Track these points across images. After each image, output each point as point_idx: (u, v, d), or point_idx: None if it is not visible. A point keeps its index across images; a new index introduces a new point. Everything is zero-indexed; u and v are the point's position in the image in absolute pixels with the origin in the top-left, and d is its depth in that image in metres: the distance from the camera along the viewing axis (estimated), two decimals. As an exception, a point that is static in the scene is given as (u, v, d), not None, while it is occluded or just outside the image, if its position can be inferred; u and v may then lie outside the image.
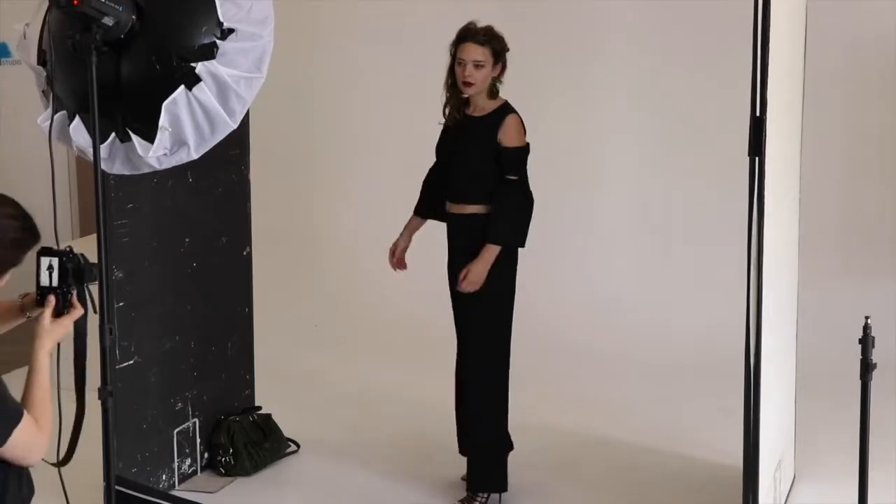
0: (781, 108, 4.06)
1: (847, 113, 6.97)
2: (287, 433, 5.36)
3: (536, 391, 5.69)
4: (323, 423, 5.76)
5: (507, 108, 4.59)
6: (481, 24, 4.59)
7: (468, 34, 4.55)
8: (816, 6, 4.88)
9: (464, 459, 4.84)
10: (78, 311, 2.80)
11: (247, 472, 5.09)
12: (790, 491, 4.73)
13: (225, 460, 5.09)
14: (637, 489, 4.93)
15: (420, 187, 4.94)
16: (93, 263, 2.91)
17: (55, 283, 2.78)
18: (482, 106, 4.60)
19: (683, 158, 7.18)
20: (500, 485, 4.74)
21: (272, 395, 5.68)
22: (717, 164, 6.81)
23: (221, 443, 5.10)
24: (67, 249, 2.82)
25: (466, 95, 4.58)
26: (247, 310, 5.42)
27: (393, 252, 4.94)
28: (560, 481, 5.01)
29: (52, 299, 2.76)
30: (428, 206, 4.87)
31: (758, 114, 3.70)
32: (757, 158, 3.72)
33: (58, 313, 2.77)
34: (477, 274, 4.53)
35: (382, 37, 7.48)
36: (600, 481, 5.02)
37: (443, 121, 4.73)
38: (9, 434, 2.54)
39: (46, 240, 3.27)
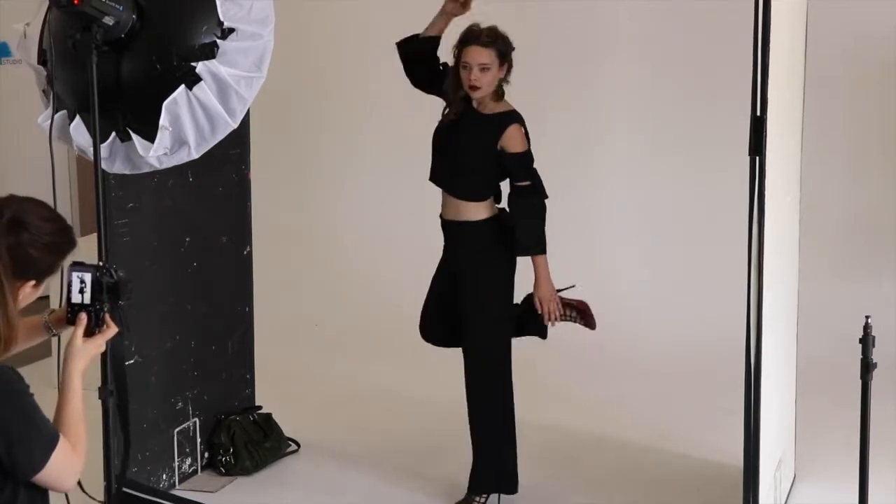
0: (782, 107, 4.07)
1: (847, 112, 6.98)
2: (287, 433, 5.37)
3: (537, 391, 5.70)
4: (323, 423, 5.76)
5: (513, 116, 4.52)
6: (484, 24, 4.52)
7: (472, 37, 4.47)
8: (817, 6, 4.89)
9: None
10: (111, 331, 2.62)
11: (247, 472, 5.09)
12: (790, 490, 4.74)
13: (225, 460, 5.09)
14: (638, 488, 4.94)
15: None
16: (128, 279, 2.72)
17: (87, 300, 2.59)
18: (488, 106, 4.56)
19: (684, 158, 7.19)
20: (505, 485, 4.72)
21: (272, 394, 5.68)
22: (718, 164, 6.83)
23: (222, 442, 5.10)
24: (101, 264, 2.66)
25: (475, 98, 4.52)
26: (247, 309, 5.43)
27: None
28: (560, 480, 5.02)
29: (83, 317, 2.58)
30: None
31: (758, 113, 3.71)
32: (757, 158, 3.73)
33: (90, 332, 2.59)
34: (546, 293, 4.57)
35: (383, 36, 7.47)
36: (600, 480, 5.02)
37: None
38: (46, 459, 2.39)
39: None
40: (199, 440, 5.10)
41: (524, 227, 4.55)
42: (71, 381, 2.50)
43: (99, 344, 2.59)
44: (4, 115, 8.38)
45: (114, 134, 3.51)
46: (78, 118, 3.55)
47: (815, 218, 5.63)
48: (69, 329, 2.65)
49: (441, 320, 4.80)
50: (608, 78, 7.34)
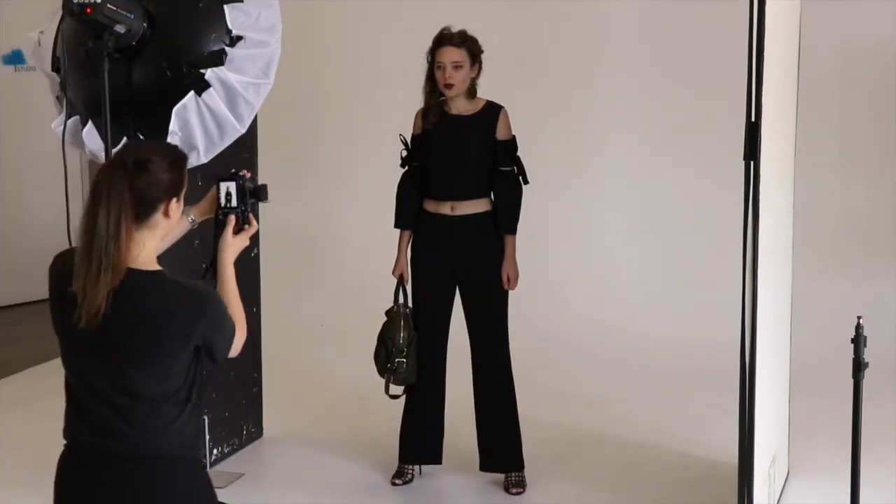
0: (776, 112, 4.11)
1: (839, 117, 7.04)
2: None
3: (536, 389, 5.74)
4: (328, 421, 5.84)
5: (497, 105, 4.75)
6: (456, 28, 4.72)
7: (444, 38, 4.69)
8: (810, 12, 4.95)
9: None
10: (254, 227, 3.03)
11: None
12: (784, 486, 4.79)
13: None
14: (635, 485, 4.98)
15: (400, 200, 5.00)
16: (264, 184, 3.10)
17: (234, 203, 3.00)
18: (467, 105, 4.74)
19: (681, 162, 7.27)
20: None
21: (279, 392, 5.75)
22: (714, 168, 6.89)
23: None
24: (242, 173, 3.03)
25: (449, 97, 4.70)
26: (255, 309, 5.48)
27: (402, 276, 5.00)
28: (558, 477, 5.06)
29: (232, 218, 2.99)
30: (415, 217, 4.92)
31: (753, 119, 3.74)
32: (752, 163, 3.76)
33: (238, 230, 3.00)
34: (516, 269, 4.75)
35: (389, 42, 7.56)
36: (598, 477, 5.07)
37: (405, 132, 4.83)
38: (230, 347, 2.83)
39: (61, 241, 3.35)
40: (207, 437, 5.17)
41: (510, 210, 4.76)
42: (226, 269, 2.99)
43: (245, 239, 3.01)
44: (19, 120, 8.46)
45: (125, 139, 3.59)
46: (90, 123, 3.63)
47: (808, 220, 5.70)
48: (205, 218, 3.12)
49: (446, 327, 4.91)
50: (606, 81, 7.40)
